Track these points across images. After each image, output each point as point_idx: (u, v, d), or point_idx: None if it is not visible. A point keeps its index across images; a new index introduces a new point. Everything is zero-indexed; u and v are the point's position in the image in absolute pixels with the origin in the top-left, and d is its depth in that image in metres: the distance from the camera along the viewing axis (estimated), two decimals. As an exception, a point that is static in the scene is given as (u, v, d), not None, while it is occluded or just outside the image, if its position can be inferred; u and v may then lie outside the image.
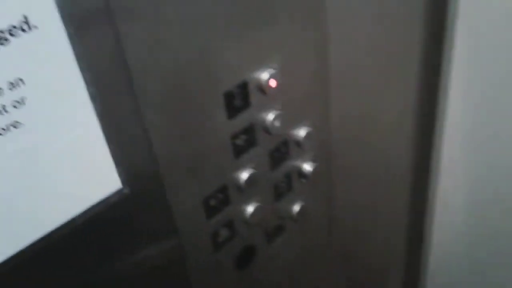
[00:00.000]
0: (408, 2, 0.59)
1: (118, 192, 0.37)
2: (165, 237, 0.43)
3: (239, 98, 0.44)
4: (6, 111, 0.29)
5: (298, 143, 0.52)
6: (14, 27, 0.28)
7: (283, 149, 0.51)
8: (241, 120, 0.45)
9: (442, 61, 0.70)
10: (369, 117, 0.66)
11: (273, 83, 0.46)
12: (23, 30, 0.28)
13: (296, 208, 0.56)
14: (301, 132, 0.52)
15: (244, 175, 0.48)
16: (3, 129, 0.29)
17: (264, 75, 0.45)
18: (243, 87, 0.44)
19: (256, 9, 0.41)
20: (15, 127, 0.30)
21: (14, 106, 0.29)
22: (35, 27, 0.29)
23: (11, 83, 0.29)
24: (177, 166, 0.41)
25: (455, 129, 0.75)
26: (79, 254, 0.37)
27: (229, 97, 0.43)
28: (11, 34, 0.28)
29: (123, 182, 0.37)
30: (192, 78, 0.39)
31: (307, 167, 0.55)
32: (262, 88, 0.45)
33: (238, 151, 0.46)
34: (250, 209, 0.50)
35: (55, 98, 0.31)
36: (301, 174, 0.55)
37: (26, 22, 0.28)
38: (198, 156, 0.43)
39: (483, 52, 0.65)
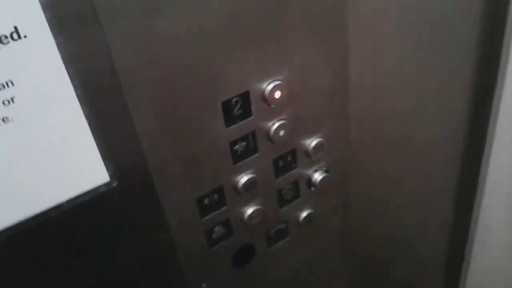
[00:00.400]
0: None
1: (106, 185, 0.40)
2: (156, 231, 0.46)
3: (239, 107, 0.45)
4: (-5, 108, 0.33)
5: (307, 152, 0.53)
6: (5, 36, 0.32)
7: (290, 158, 0.52)
8: (241, 128, 0.46)
9: (496, 80, 0.66)
10: (402, 136, 0.64)
11: (277, 94, 0.46)
12: (13, 39, 0.32)
13: (303, 214, 0.57)
14: (311, 142, 0.53)
15: (242, 179, 0.49)
16: (-8, 123, 0.33)
17: (268, 86, 0.46)
18: (244, 96, 0.45)
19: (263, 20, 0.42)
20: (4, 121, 0.34)
21: (4, 104, 0.33)
22: (25, 36, 0.32)
23: (1, 84, 0.33)
24: (169, 165, 0.44)
25: (503, 149, 0.70)
26: (64, 241, 0.41)
27: (227, 105, 0.44)
28: (1, 43, 0.32)
29: (110, 176, 0.40)
30: (187, 84, 0.41)
31: (317, 176, 0.55)
32: (265, 99, 0.46)
33: (237, 157, 0.48)
34: (248, 211, 0.52)
35: (43, 98, 0.35)
36: (310, 183, 0.56)
37: (16, 32, 0.32)
38: (192, 157, 0.45)
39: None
